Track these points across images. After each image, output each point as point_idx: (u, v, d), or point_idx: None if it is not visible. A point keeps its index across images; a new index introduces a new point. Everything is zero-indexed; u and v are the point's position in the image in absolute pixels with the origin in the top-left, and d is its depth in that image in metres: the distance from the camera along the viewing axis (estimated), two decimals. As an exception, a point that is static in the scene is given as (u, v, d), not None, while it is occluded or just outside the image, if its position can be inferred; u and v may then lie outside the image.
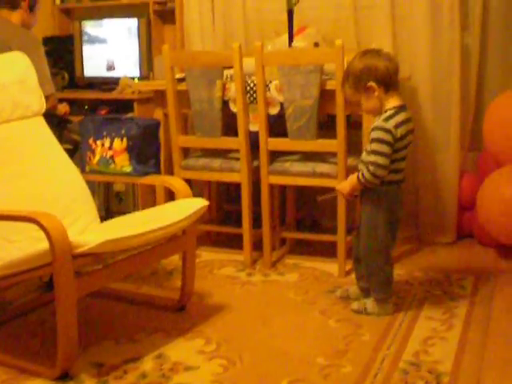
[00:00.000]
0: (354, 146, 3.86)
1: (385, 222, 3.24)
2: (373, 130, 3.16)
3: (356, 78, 3.17)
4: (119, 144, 3.55)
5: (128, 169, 3.55)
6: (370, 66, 3.14)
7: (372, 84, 3.14)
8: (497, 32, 4.32)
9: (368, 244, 3.28)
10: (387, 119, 3.13)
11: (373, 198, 3.24)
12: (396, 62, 3.24)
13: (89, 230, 3.32)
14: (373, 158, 3.10)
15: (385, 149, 3.10)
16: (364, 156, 3.22)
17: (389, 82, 3.15)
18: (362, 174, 3.15)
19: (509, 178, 3.91)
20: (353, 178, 3.24)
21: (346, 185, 3.28)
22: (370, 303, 3.32)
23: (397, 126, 3.12)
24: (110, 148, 3.58)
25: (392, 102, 3.17)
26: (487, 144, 4.13)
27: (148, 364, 2.86)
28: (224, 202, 4.88)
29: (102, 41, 5.17)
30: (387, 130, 3.10)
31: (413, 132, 3.26)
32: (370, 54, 3.20)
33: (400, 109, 3.17)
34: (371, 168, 3.11)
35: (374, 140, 3.13)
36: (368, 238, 3.27)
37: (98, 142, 3.61)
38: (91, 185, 3.63)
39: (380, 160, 3.09)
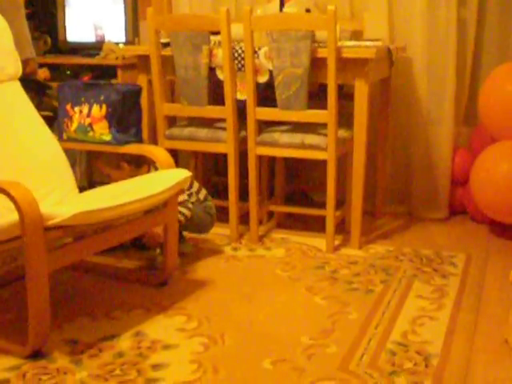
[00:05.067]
0: (345, 118, 3.77)
1: None
2: None
3: None
4: (98, 111, 3.38)
5: (107, 137, 3.38)
6: None
7: None
8: (494, 7, 4.25)
9: None
10: None
11: None
12: None
13: (65, 202, 3.19)
14: None
15: None
16: None
17: None
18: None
19: (503, 153, 3.85)
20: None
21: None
22: None
23: None
24: (89, 115, 3.41)
25: None
26: (482, 118, 4.03)
27: (125, 342, 2.75)
28: (212, 174, 4.77)
29: (87, 4, 4.99)
30: None
31: None
32: None
33: None
34: None
35: None
36: None
37: (76, 109, 3.44)
38: (73, 154, 3.49)
39: None
